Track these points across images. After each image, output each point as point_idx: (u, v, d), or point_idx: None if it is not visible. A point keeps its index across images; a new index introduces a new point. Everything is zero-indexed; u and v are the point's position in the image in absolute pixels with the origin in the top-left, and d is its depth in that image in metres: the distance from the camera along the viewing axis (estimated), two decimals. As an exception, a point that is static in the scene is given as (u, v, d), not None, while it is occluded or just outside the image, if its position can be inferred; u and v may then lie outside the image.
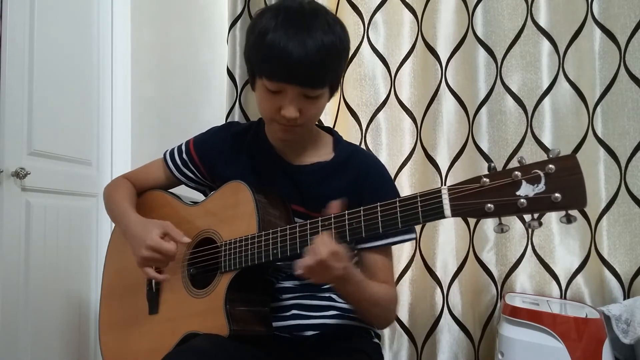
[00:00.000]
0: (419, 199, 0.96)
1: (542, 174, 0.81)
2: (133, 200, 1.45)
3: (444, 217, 0.92)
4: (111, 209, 1.46)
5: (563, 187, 0.80)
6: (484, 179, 0.86)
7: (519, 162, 0.84)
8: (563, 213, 0.81)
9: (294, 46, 1.10)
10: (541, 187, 0.81)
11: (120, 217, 1.39)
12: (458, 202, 0.90)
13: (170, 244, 1.24)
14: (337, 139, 1.38)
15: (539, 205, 0.81)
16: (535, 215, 0.84)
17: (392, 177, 2.07)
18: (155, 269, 1.29)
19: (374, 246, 1.28)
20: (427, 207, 0.94)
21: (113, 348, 1.48)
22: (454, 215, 0.91)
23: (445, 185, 0.92)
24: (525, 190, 0.82)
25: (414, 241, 2.10)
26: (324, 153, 1.35)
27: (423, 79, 2.12)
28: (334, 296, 1.32)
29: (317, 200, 1.26)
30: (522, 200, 0.82)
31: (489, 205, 0.85)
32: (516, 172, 0.83)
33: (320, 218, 1.10)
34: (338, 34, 1.16)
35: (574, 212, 0.81)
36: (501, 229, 0.88)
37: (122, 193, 1.46)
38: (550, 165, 0.80)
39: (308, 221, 1.11)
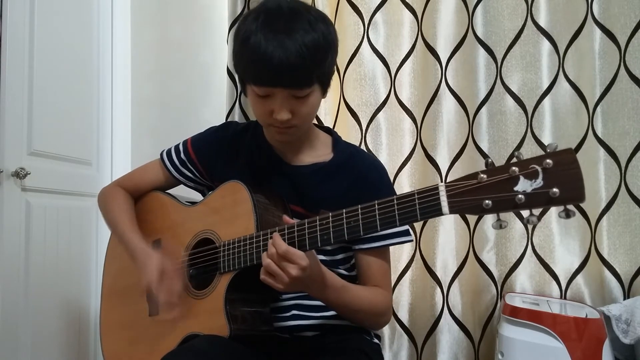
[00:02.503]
0: (416, 196, 0.95)
1: (539, 169, 0.80)
2: (133, 215, 1.45)
3: (441, 214, 0.91)
4: (113, 228, 1.47)
5: (561, 181, 0.79)
6: (482, 175, 0.86)
7: (517, 157, 0.84)
8: (562, 208, 0.80)
9: (274, 49, 1.09)
10: (539, 182, 0.80)
11: (124, 239, 1.39)
12: (456, 198, 0.89)
13: (162, 292, 1.25)
14: (336, 140, 1.37)
15: (537, 201, 0.81)
16: (534, 211, 0.84)
17: (392, 177, 2.09)
18: None
19: (370, 248, 1.27)
20: (424, 204, 0.93)
21: (114, 349, 1.47)
22: (451, 212, 0.90)
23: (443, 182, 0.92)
24: (523, 185, 0.81)
25: (414, 241, 2.10)
26: (323, 154, 1.34)
27: (423, 79, 2.12)
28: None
29: (315, 201, 1.26)
30: (520, 195, 0.81)
31: (487, 201, 0.85)
32: (514, 168, 0.82)
33: (318, 217, 1.09)
34: (320, 31, 1.14)
35: (572, 207, 0.80)
36: (500, 224, 0.87)
37: (121, 208, 1.46)
38: (548, 160, 0.79)
39: (306, 220, 1.10)
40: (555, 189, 0.79)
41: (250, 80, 1.17)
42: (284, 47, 1.09)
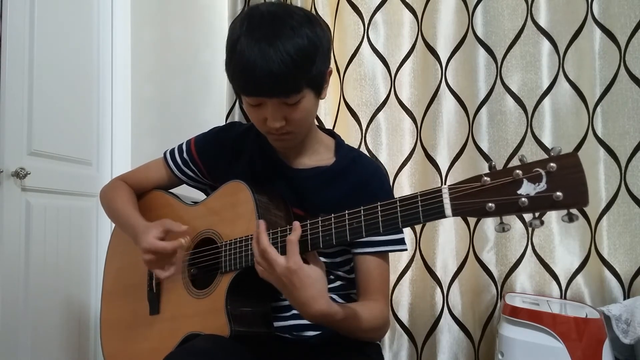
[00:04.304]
0: (419, 199, 0.94)
1: (543, 173, 0.80)
2: (135, 204, 1.44)
3: (444, 216, 0.91)
4: (116, 217, 1.45)
5: (565, 185, 0.78)
6: (485, 178, 0.85)
7: (520, 160, 0.83)
8: (565, 212, 0.80)
9: (256, 59, 1.06)
10: (542, 185, 0.80)
11: (126, 224, 1.38)
12: (459, 201, 0.89)
13: (163, 242, 1.23)
14: (339, 143, 1.36)
15: (541, 204, 0.80)
16: (537, 214, 0.83)
17: (392, 177, 2.09)
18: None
19: (369, 252, 1.26)
20: (427, 207, 0.93)
21: (114, 349, 1.47)
22: (454, 214, 0.90)
23: (445, 184, 0.91)
24: (527, 189, 0.81)
25: (414, 241, 2.10)
26: (325, 158, 1.33)
27: (423, 79, 2.12)
28: (334, 296, 1.31)
29: (316, 205, 1.25)
30: (523, 199, 0.81)
31: (490, 204, 0.84)
32: (517, 171, 0.82)
33: (320, 218, 1.08)
34: (305, 35, 1.11)
35: (575, 211, 0.80)
36: (502, 228, 0.86)
37: (123, 198, 1.45)
38: (552, 164, 0.79)
39: (308, 221, 1.10)
40: (558, 193, 0.78)
41: (238, 90, 1.17)
42: (266, 57, 1.06)
